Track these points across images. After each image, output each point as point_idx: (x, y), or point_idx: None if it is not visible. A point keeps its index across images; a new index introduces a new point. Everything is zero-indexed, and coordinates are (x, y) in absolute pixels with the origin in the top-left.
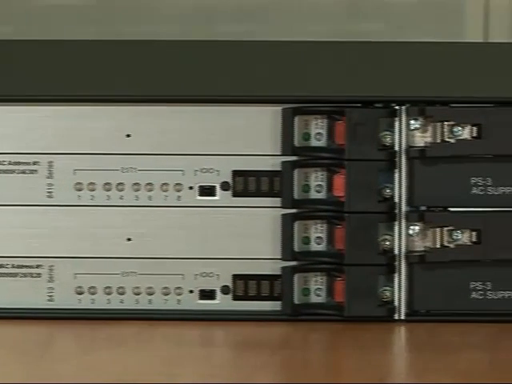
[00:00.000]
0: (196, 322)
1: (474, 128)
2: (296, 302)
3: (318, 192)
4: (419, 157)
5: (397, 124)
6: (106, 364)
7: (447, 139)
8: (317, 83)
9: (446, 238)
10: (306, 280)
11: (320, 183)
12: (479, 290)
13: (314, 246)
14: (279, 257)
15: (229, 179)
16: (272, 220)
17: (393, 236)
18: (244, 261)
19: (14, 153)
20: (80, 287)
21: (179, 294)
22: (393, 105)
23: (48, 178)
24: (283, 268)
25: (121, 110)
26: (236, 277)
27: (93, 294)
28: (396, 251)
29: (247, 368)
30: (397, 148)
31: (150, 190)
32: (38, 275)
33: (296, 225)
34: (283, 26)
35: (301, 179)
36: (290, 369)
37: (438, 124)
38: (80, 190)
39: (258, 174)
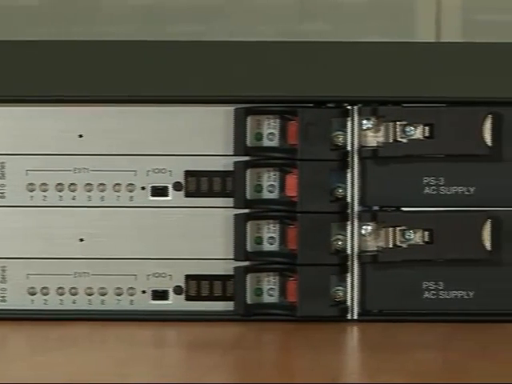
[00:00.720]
0: (149, 322)
1: (427, 128)
2: (248, 302)
3: (271, 192)
4: (371, 157)
5: (349, 124)
6: (59, 364)
7: (399, 139)
8: (269, 83)
9: (398, 237)
10: (258, 280)
11: (272, 183)
12: (431, 290)
13: (267, 246)
14: (232, 257)
15: (181, 179)
16: (224, 220)
17: (345, 236)
18: (197, 261)
19: None
20: (32, 288)
21: (132, 295)
22: (345, 105)
23: (0, 178)
24: (236, 268)
25: (73, 111)
26: (189, 277)
27: (45, 294)
28: (348, 251)
29: (199, 368)
30: (349, 148)
31: (103, 191)
32: None
33: (248, 225)
34: (234, 27)
35: (253, 179)
36: (243, 369)
37: (391, 124)
38: (32, 190)
39: (210, 174)
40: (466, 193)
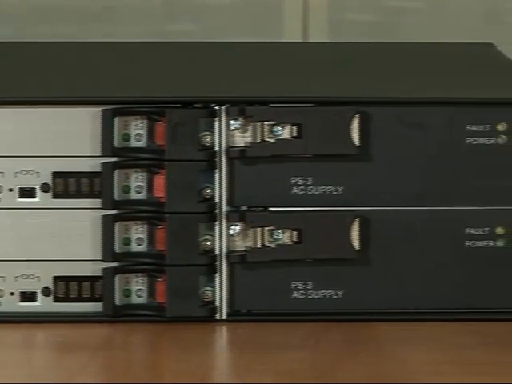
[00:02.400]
0: (17, 324)
1: (294, 128)
2: (117, 303)
3: (139, 193)
4: (239, 157)
5: (217, 124)
6: None
7: (267, 139)
8: (136, 84)
9: (266, 237)
10: (127, 281)
11: (140, 184)
12: (300, 290)
13: (135, 247)
14: (100, 258)
15: (49, 181)
16: (92, 221)
17: (213, 236)
18: (65, 262)
19: None
20: None
21: (0, 297)
22: (212, 105)
23: None
24: (104, 269)
25: None
26: (57, 278)
27: None
28: (217, 251)
29: (68, 369)
30: (217, 148)
31: None
32: None
33: (116, 226)
34: (98, 28)
35: (121, 180)
36: (112, 370)
37: (258, 124)
38: None
39: (78, 175)
40: (334, 192)
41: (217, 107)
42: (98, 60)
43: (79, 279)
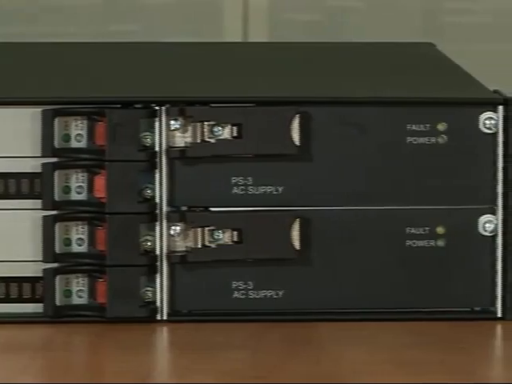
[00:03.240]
0: None
1: (235, 128)
2: (58, 303)
3: (79, 193)
4: (180, 157)
5: (157, 124)
6: None
7: (207, 139)
8: (77, 84)
9: (207, 237)
10: (67, 282)
11: (81, 184)
12: (241, 290)
13: (76, 248)
14: (41, 259)
15: None
16: (33, 222)
17: (154, 236)
18: (5, 263)
19: None
20: None
21: None
22: (153, 105)
23: None
24: (44, 270)
25: None
26: None
27: None
28: (157, 252)
29: (9, 370)
30: (157, 148)
31: None
32: None
33: (57, 226)
34: (39, 28)
35: (61, 181)
36: (52, 370)
37: (198, 124)
38: None
39: (18, 176)
40: (275, 192)
41: (157, 107)
42: (39, 60)
43: (20, 280)
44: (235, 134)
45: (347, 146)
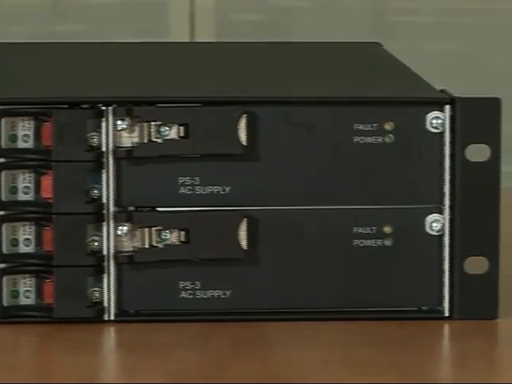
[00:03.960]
0: None
1: (181, 128)
2: (5, 304)
3: (26, 194)
4: (126, 157)
5: (104, 125)
6: None
7: (154, 139)
8: (23, 85)
9: (154, 237)
10: (15, 282)
11: (28, 185)
12: (188, 290)
13: (23, 248)
14: None
15: None
16: None
17: (101, 237)
18: None
19: None
20: None
21: None
22: (99, 105)
23: None
24: None
25: None
26: None
27: None
28: (105, 252)
29: None
30: (104, 149)
31: None
32: None
33: (4, 227)
34: None
35: (8, 181)
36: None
37: (145, 124)
38: None
39: None
40: (222, 192)
41: (104, 108)
42: None
43: None
44: (182, 134)
45: (294, 145)
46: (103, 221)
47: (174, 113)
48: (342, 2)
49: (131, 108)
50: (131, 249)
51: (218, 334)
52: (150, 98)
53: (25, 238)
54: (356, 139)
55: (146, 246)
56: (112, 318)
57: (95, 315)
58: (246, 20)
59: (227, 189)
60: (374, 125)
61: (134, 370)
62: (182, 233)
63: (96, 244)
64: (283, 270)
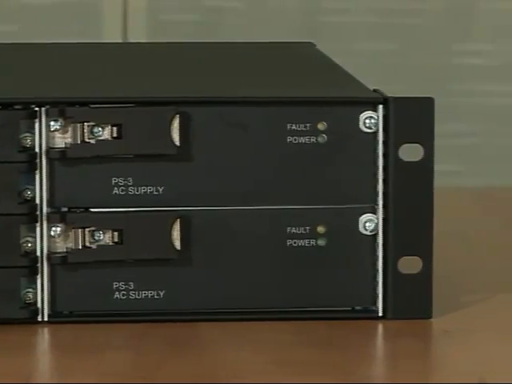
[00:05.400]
0: None
1: (115, 128)
2: None
3: None
4: (60, 158)
5: (37, 125)
6: None
7: (87, 140)
8: None
9: (88, 238)
10: None
11: None
12: (122, 290)
13: None
14: None
15: None
16: None
17: (34, 238)
18: None
19: None
20: None
21: None
22: (32, 106)
23: None
24: None
25: None
26: None
27: None
28: (38, 253)
29: None
30: (37, 149)
31: None
32: None
33: None
34: None
35: None
36: None
37: (79, 125)
38: None
39: None
40: (155, 193)
41: (37, 108)
42: None
43: None
44: (115, 135)
45: (228, 145)
46: (36, 222)
47: (107, 113)
48: (275, 2)
49: (64, 109)
50: (65, 250)
51: (152, 335)
52: (82, 98)
53: None
54: (289, 139)
55: (80, 247)
56: (46, 319)
57: (29, 316)
58: (179, 20)
59: (161, 189)
60: (307, 125)
61: (68, 370)
62: (116, 233)
63: (29, 245)
64: (217, 271)
